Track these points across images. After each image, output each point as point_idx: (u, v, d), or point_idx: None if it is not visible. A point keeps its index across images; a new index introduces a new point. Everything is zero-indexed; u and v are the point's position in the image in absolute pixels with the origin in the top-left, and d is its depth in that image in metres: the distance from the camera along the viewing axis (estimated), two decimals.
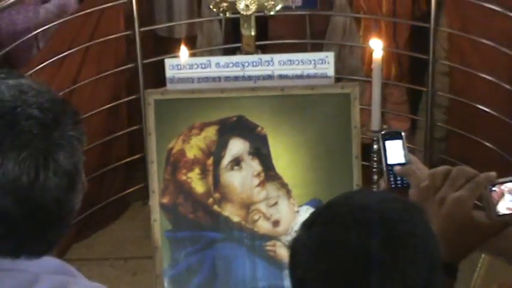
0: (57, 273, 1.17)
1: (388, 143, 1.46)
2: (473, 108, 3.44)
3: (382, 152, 1.46)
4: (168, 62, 2.61)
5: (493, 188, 1.23)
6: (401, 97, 3.89)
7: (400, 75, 3.86)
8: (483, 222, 1.23)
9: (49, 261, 1.17)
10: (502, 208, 1.22)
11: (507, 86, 3.25)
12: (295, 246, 1.11)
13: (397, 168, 1.42)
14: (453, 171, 1.28)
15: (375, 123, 2.68)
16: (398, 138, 1.46)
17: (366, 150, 2.65)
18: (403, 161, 1.44)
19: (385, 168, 1.45)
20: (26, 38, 3.36)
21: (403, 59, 3.84)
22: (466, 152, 3.55)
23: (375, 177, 2.67)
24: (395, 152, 1.45)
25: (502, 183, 1.23)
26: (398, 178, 1.43)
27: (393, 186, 1.43)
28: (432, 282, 1.05)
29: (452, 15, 3.47)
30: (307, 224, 1.12)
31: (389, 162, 1.44)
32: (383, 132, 1.49)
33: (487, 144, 3.35)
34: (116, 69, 3.58)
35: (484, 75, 3.33)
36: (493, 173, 1.25)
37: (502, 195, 1.22)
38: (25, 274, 1.13)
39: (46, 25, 3.49)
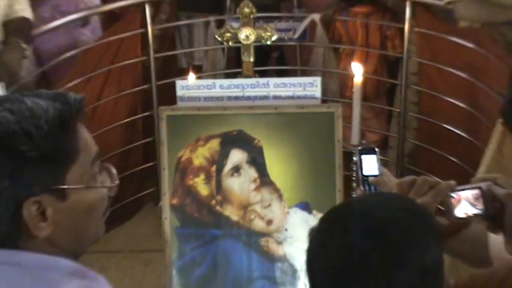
0: (77, 276, 1.06)
1: (364, 157, 1.49)
2: (438, 128, 3.46)
3: (358, 164, 1.48)
4: (179, 83, 2.60)
5: (452, 195, 1.24)
6: (369, 114, 3.91)
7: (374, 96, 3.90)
8: (443, 223, 1.24)
9: (67, 263, 1.06)
10: (459, 212, 1.23)
11: (468, 108, 3.26)
12: (309, 236, 1.13)
13: (370, 178, 1.45)
14: (418, 181, 1.30)
15: (355, 138, 2.67)
16: (373, 153, 1.49)
17: (348, 160, 2.63)
18: (376, 172, 1.47)
19: (361, 178, 1.47)
20: (63, 57, 3.36)
21: (379, 83, 3.87)
22: (431, 164, 3.56)
23: (354, 184, 2.68)
24: (370, 164, 1.48)
25: (460, 190, 1.24)
26: (372, 187, 1.45)
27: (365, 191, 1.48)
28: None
29: (422, 47, 3.47)
30: (322, 218, 1.15)
31: (364, 173, 1.47)
32: (360, 148, 1.52)
33: (450, 157, 3.36)
34: (134, 89, 3.60)
35: (449, 99, 3.35)
36: (452, 182, 1.27)
37: (460, 201, 1.23)
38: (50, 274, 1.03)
39: (81, 47, 3.53)
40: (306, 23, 3.95)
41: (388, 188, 1.42)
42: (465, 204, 1.23)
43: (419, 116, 3.61)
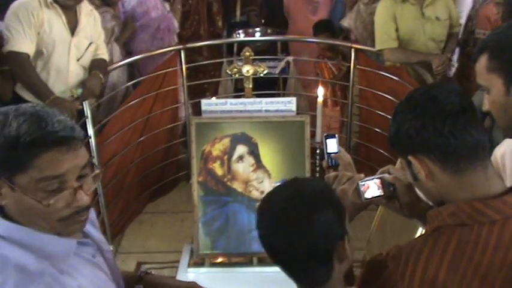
0: None
1: (328, 140, 1.44)
2: (372, 131, 3.45)
3: (324, 145, 1.43)
4: (203, 101, 2.59)
5: (362, 183, 1.22)
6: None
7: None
8: (357, 202, 1.24)
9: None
10: (368, 195, 1.22)
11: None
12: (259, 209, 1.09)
13: (333, 155, 1.41)
14: (339, 175, 1.30)
15: (318, 137, 2.63)
16: (334, 138, 1.45)
17: (313, 152, 2.62)
18: (336, 150, 1.42)
19: (326, 155, 1.43)
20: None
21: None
22: (368, 155, 3.55)
23: (317, 168, 2.66)
24: (331, 145, 1.43)
25: (368, 180, 1.23)
26: (333, 160, 1.41)
27: (330, 165, 1.42)
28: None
29: (362, 78, 3.46)
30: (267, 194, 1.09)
31: (328, 151, 1.43)
32: (325, 134, 1.48)
33: (380, 150, 3.36)
34: (173, 106, 3.55)
35: (379, 112, 3.34)
36: (362, 175, 1.27)
37: (368, 187, 1.22)
38: None
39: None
40: (283, 63, 3.92)
41: (345, 159, 1.39)
42: (371, 189, 1.22)
43: (360, 123, 3.61)
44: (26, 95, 2.62)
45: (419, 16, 3.08)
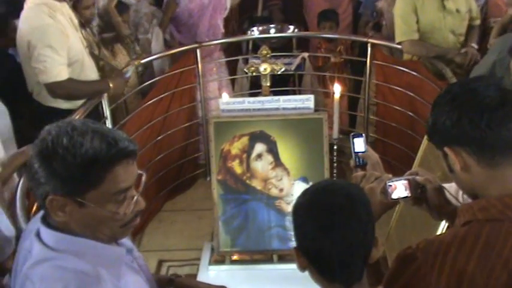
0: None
1: (355, 139, 1.44)
2: (390, 126, 3.41)
3: (351, 144, 1.43)
4: (221, 100, 2.59)
5: (390, 183, 1.24)
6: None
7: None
8: (384, 201, 1.25)
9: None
10: (395, 195, 1.23)
11: (409, 113, 3.21)
12: (296, 204, 1.09)
13: (360, 154, 1.42)
14: (367, 174, 1.32)
15: (335, 133, 2.64)
16: (361, 137, 1.44)
17: (331, 148, 2.62)
18: (363, 149, 1.42)
19: (353, 154, 1.43)
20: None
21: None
22: (385, 150, 3.50)
23: (335, 164, 2.66)
24: (359, 144, 1.43)
25: (395, 180, 1.24)
26: (361, 160, 1.42)
27: (358, 164, 1.43)
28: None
29: (378, 73, 3.43)
30: (302, 193, 1.10)
31: (355, 150, 1.43)
32: (352, 134, 1.47)
33: (398, 145, 3.33)
34: (190, 105, 3.56)
35: (396, 107, 3.30)
36: (390, 175, 1.29)
37: (395, 188, 1.23)
38: None
39: None
40: (298, 59, 3.88)
41: (373, 158, 1.42)
42: (398, 190, 1.23)
43: (377, 118, 3.58)
44: (62, 104, 2.59)
45: (440, 8, 3.05)
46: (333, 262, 1.01)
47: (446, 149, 1.04)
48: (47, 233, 1.00)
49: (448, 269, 0.99)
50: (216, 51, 3.71)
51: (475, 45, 3.10)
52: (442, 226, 1.97)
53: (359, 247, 1.01)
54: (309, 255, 1.04)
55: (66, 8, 2.56)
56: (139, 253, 1.18)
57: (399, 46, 3.16)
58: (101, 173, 0.95)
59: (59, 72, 2.42)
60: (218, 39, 3.70)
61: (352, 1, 4.40)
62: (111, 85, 2.63)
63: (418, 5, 3.06)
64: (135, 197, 1.02)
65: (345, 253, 1.00)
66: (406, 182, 1.23)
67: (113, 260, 1.04)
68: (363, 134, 1.45)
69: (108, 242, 1.05)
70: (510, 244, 0.97)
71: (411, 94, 3.14)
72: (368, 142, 3.58)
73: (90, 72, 2.68)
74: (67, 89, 2.48)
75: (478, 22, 3.25)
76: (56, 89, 2.46)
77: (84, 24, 2.77)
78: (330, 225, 1.00)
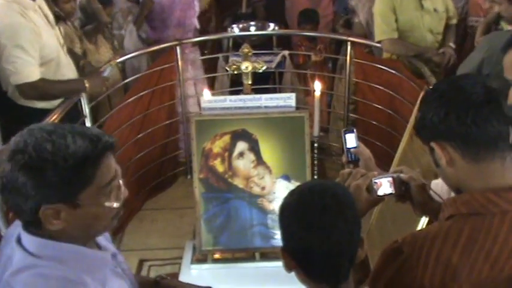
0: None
1: (347, 135, 1.42)
2: (369, 123, 3.45)
3: (343, 140, 1.41)
4: (203, 99, 2.57)
5: (375, 181, 1.25)
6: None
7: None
8: (370, 198, 1.26)
9: None
10: (381, 192, 1.24)
11: (389, 111, 3.25)
12: (283, 205, 1.08)
13: (352, 150, 1.41)
14: (353, 171, 1.32)
15: (316, 131, 2.67)
16: (353, 132, 1.43)
17: (312, 146, 2.63)
18: (355, 145, 1.42)
19: (345, 150, 1.41)
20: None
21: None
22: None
23: (315, 161, 2.67)
24: (350, 140, 1.42)
25: (380, 178, 1.25)
26: (353, 155, 1.41)
27: (350, 160, 1.42)
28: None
29: (357, 71, 3.45)
30: (289, 194, 1.10)
31: (348, 146, 1.41)
32: (344, 129, 1.45)
33: (377, 143, 3.33)
34: (170, 102, 3.53)
35: (376, 105, 3.34)
36: (375, 172, 1.30)
37: (380, 185, 1.24)
38: None
39: None
40: (278, 57, 3.89)
41: (365, 154, 1.42)
42: (384, 187, 1.25)
43: (357, 116, 3.60)
44: (37, 104, 2.53)
45: (418, 7, 3.10)
46: (320, 262, 1.02)
47: (433, 144, 1.07)
48: (28, 239, 0.98)
49: (433, 261, 1.02)
50: (188, 47, 3.68)
51: (453, 45, 3.15)
52: (422, 222, 2.00)
53: (346, 247, 1.02)
54: (295, 256, 1.04)
55: (42, 5, 2.50)
56: (122, 256, 1.17)
57: (379, 45, 3.19)
58: (91, 170, 0.96)
59: (30, 72, 2.35)
60: (199, 37, 3.68)
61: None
62: (87, 84, 2.57)
63: (396, 4, 3.09)
64: (121, 185, 1.03)
65: (332, 253, 1.01)
66: (391, 179, 1.25)
67: (98, 266, 1.02)
68: (355, 130, 1.43)
69: (92, 245, 1.04)
70: (492, 237, 1.00)
71: (391, 92, 3.17)
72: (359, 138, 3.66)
73: (67, 71, 2.61)
74: (39, 89, 2.42)
75: (454, 21, 3.31)
76: (28, 90, 2.40)
77: (65, 18, 2.70)
78: (317, 225, 1.01)
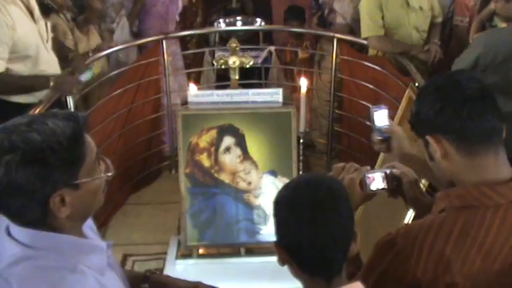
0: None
1: (376, 113, 1.36)
2: (355, 119, 3.46)
3: (372, 118, 1.36)
4: (189, 93, 2.54)
5: (368, 175, 1.24)
6: None
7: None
8: (362, 193, 1.26)
9: None
10: (373, 187, 1.25)
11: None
12: (278, 198, 1.07)
13: (384, 128, 1.36)
14: (347, 165, 1.31)
15: (302, 127, 2.66)
16: (383, 109, 1.37)
17: (299, 141, 2.62)
18: (387, 123, 1.36)
19: (375, 129, 1.37)
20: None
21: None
22: (350, 143, 3.59)
23: (301, 157, 2.66)
24: (381, 118, 1.36)
25: (373, 173, 1.25)
26: (384, 134, 1.36)
27: (380, 138, 1.37)
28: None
29: (344, 68, 3.46)
30: (283, 187, 1.09)
31: (377, 125, 1.36)
32: (373, 107, 1.38)
33: (362, 139, 3.36)
34: (156, 96, 3.50)
35: (361, 101, 3.34)
36: (368, 167, 1.29)
37: (373, 179, 1.25)
38: None
39: None
40: (264, 53, 3.90)
41: (398, 133, 1.34)
42: (376, 181, 1.25)
43: (342, 112, 3.61)
44: (19, 99, 2.46)
45: (404, 5, 3.13)
46: (314, 257, 1.01)
47: (428, 137, 1.08)
48: (19, 231, 0.96)
49: (426, 253, 1.03)
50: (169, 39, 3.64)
51: (438, 42, 3.18)
52: (408, 217, 2.02)
53: (340, 242, 1.01)
54: (289, 250, 1.03)
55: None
56: (110, 252, 1.14)
57: (365, 42, 3.21)
58: (82, 147, 0.98)
59: None
60: (186, 31, 3.66)
61: None
62: (51, 83, 2.44)
63: (382, 2, 3.12)
64: (103, 157, 1.06)
65: (326, 248, 1.00)
66: (383, 174, 1.25)
67: (94, 254, 1.01)
68: (386, 107, 1.36)
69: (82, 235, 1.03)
70: (485, 230, 1.02)
71: (376, 89, 3.19)
72: (332, 134, 3.68)
73: (47, 67, 2.52)
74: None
75: (440, 20, 3.35)
76: None
77: (57, 10, 2.63)
78: (311, 219, 1.00)
